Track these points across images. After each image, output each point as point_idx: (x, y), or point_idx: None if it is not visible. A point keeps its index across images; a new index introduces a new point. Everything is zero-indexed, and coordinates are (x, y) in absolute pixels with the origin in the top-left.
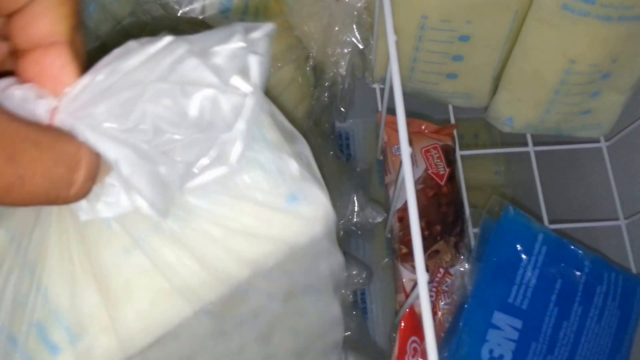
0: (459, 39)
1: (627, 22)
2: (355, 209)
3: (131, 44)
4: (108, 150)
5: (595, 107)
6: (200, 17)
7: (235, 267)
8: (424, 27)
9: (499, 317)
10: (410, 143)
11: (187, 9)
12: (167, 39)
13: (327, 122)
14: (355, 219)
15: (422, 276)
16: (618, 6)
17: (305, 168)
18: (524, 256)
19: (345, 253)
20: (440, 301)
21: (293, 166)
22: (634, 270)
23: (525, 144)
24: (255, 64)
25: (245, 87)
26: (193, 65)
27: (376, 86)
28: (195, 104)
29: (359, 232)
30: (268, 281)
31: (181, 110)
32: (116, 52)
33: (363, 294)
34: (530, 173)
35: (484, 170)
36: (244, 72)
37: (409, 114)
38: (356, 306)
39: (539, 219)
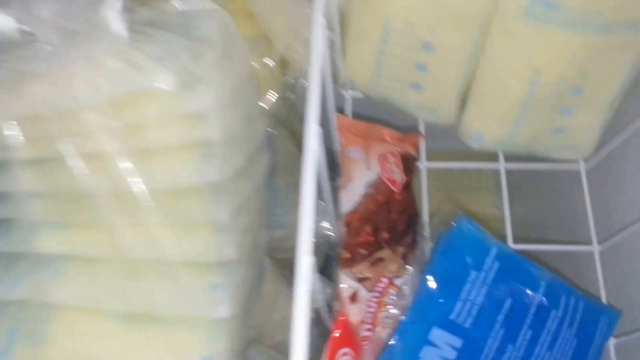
0: (422, 46)
1: (591, 33)
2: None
3: None
4: None
5: (569, 126)
6: None
7: None
8: (388, 30)
9: (437, 334)
10: (367, 147)
11: None
12: None
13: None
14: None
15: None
16: (582, 12)
17: None
18: (472, 271)
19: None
20: (381, 313)
21: None
22: (604, 300)
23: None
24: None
25: None
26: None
27: (344, 92)
28: None
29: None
30: None
31: None
32: None
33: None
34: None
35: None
36: None
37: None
38: (319, 323)
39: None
